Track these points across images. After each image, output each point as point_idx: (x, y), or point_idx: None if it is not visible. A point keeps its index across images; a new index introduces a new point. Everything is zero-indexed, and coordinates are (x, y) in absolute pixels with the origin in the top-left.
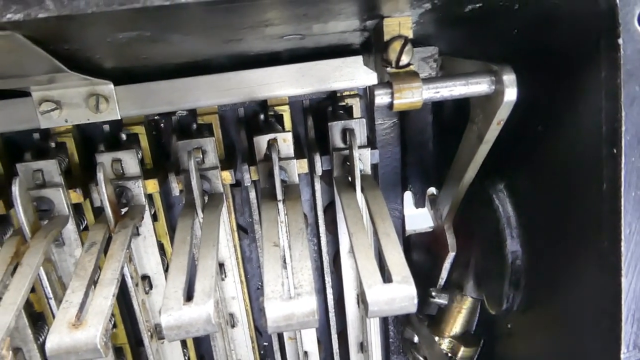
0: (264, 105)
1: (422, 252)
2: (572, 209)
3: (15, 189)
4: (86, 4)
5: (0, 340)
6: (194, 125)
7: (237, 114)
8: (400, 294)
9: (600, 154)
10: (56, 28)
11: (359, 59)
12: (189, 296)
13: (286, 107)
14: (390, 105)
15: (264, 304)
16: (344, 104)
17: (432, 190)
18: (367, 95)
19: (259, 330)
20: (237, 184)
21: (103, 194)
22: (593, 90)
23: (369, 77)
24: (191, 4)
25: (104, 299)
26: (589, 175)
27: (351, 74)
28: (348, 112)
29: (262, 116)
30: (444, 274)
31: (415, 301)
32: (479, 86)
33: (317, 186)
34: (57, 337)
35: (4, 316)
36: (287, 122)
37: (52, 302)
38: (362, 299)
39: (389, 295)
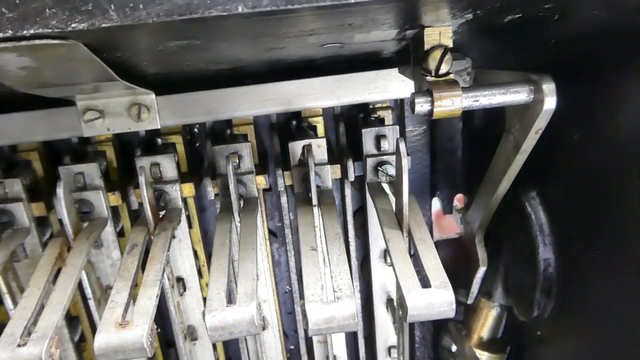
0: (297, 112)
1: (449, 259)
2: (609, 217)
3: (60, 192)
4: (147, 14)
5: (49, 339)
6: (228, 131)
7: (270, 120)
8: (439, 299)
9: (639, 162)
10: (115, 36)
11: (393, 71)
12: (228, 299)
13: (320, 119)
14: (430, 113)
15: (305, 306)
16: (376, 115)
17: (458, 204)
18: (398, 107)
19: (286, 334)
20: (268, 189)
21: (144, 197)
22: (632, 100)
23: (402, 89)
24: (247, 13)
25: (148, 300)
26: (628, 184)
27: (385, 86)
28: (380, 124)
29: (294, 122)
30: (474, 288)
31: (454, 306)
32: (517, 95)
33: (348, 191)
34: (105, 336)
35: (52, 315)
36: (321, 132)
37: (91, 302)
38: (401, 303)
39: (428, 300)
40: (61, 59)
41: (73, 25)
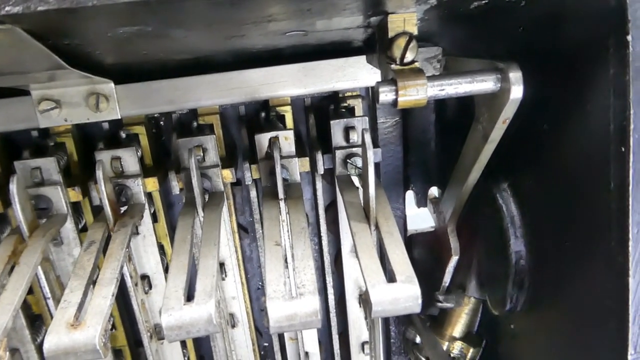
0: (265, 103)
1: (423, 252)
2: (579, 209)
3: (13, 187)
4: None
5: None
6: (195, 123)
7: (238, 111)
8: (404, 294)
9: (608, 152)
10: (56, 22)
11: (362, 58)
12: (189, 296)
13: (288, 108)
14: (395, 103)
15: (266, 303)
16: (346, 104)
17: (433, 192)
18: (369, 96)
19: (259, 331)
20: (238, 183)
21: (102, 192)
22: (601, 88)
23: (372, 77)
24: None
25: (103, 299)
26: (596, 174)
27: (354, 74)
28: (350, 113)
29: (263, 114)
30: (447, 278)
31: (420, 301)
32: (484, 84)
33: (319, 185)
34: (56, 337)
35: (1, 317)
36: (289, 123)
37: (50, 302)
38: (365, 298)
39: (393, 295)
40: (0, 45)
41: (7, 8)
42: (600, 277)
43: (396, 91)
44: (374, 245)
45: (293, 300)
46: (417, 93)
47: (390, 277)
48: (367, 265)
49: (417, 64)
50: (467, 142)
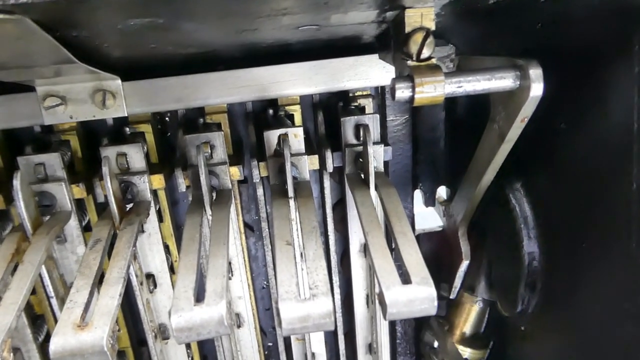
0: (273, 100)
1: (431, 252)
2: (596, 210)
3: (17, 183)
4: None
5: (0, 342)
6: (201, 120)
7: (245, 108)
8: (420, 296)
9: (631, 153)
10: (67, 12)
11: (373, 57)
12: (198, 296)
13: (297, 107)
14: (411, 100)
15: (279, 304)
16: (356, 104)
17: (442, 194)
18: (379, 95)
19: (264, 331)
20: (244, 180)
21: (108, 189)
22: (624, 87)
23: (383, 77)
24: None
25: (111, 299)
26: (617, 174)
27: (365, 73)
28: (361, 112)
29: (271, 111)
30: (457, 283)
31: (436, 303)
32: (503, 81)
33: (327, 183)
34: (62, 338)
35: (5, 317)
36: (298, 121)
37: (54, 301)
38: (380, 300)
39: (409, 297)
40: (8, 36)
41: None
42: (619, 279)
43: (413, 88)
44: (387, 245)
45: (306, 301)
46: (434, 90)
47: (405, 279)
48: (381, 265)
49: (433, 61)
50: (482, 143)
